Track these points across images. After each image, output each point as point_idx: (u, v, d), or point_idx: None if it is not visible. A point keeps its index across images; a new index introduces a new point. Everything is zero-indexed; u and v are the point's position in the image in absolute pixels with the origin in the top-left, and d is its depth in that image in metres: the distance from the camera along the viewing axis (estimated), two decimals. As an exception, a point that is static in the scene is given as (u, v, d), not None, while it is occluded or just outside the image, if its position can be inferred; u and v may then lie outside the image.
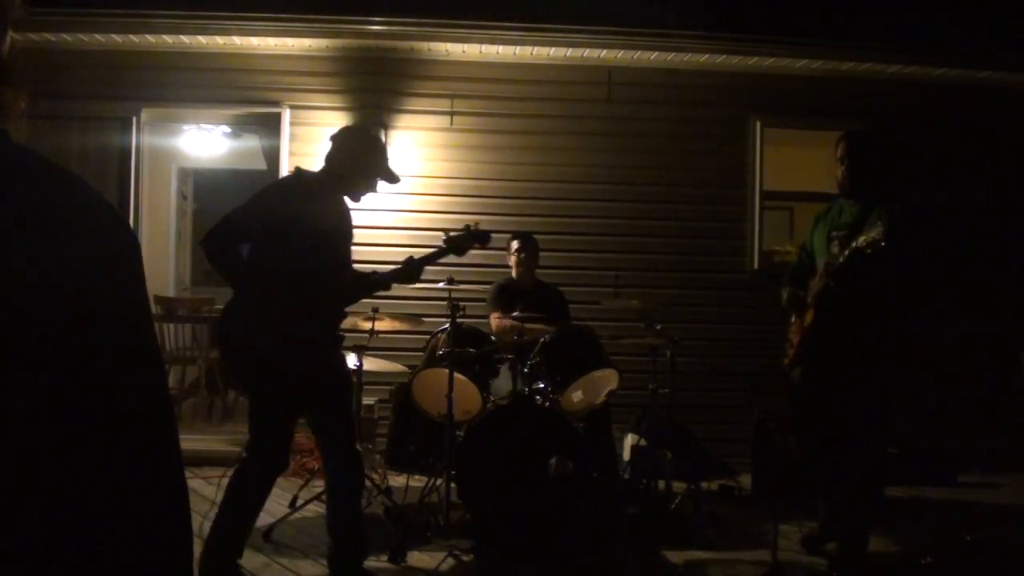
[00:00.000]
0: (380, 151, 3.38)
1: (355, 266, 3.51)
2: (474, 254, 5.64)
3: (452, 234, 3.47)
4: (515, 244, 5.02)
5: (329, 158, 3.31)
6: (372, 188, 3.36)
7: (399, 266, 3.34)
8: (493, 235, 5.58)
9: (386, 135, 5.72)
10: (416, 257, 3.34)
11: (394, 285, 3.44)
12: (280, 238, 3.05)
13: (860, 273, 3.49)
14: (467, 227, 3.50)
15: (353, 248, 3.41)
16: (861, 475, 3.66)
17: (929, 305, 4.27)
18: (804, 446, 3.91)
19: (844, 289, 3.56)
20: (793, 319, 3.91)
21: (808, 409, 3.85)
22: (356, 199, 3.37)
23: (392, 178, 3.36)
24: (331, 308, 3.22)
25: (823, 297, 3.64)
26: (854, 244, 3.43)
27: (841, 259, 3.53)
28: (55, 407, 0.63)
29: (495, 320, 4.79)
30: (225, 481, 3.24)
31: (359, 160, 3.28)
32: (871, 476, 3.70)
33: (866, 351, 3.59)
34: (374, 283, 3.35)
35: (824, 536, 3.87)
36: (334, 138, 3.34)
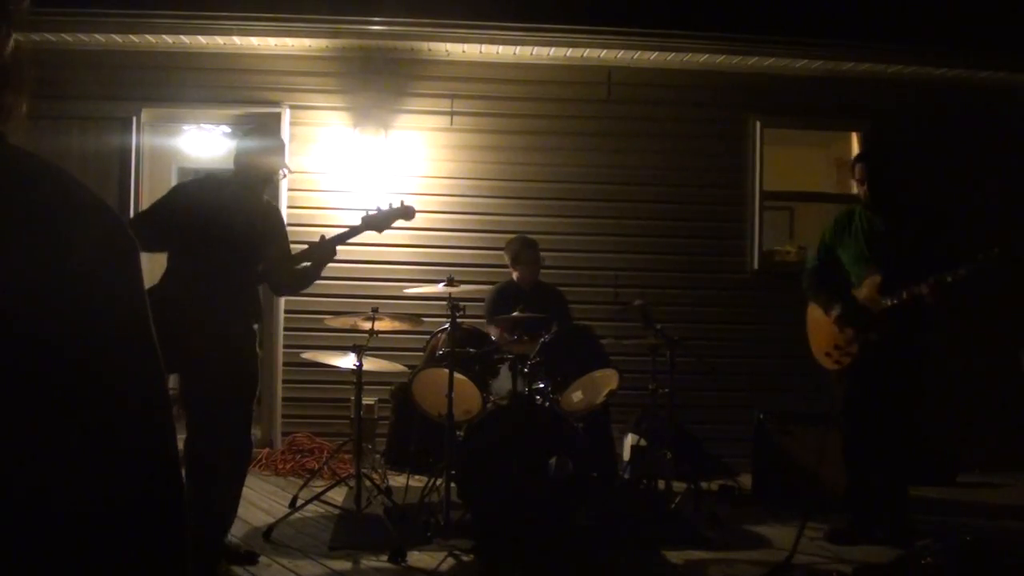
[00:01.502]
0: (272, 148, 3.56)
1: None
2: (474, 254, 5.70)
3: (371, 212, 3.50)
4: (521, 253, 4.97)
5: (234, 157, 3.55)
6: (272, 181, 3.62)
7: (311, 246, 3.45)
8: (493, 235, 5.64)
9: (386, 135, 5.72)
10: (329, 236, 3.44)
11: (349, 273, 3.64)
12: (185, 231, 3.25)
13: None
14: (390, 204, 3.52)
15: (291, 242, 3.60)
16: (895, 471, 4.01)
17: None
18: (851, 447, 4.09)
19: (935, 306, 3.78)
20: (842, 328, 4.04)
21: (859, 412, 4.03)
22: (259, 192, 3.57)
23: (280, 168, 3.58)
24: (242, 295, 3.37)
25: (897, 311, 3.82)
26: (948, 278, 3.62)
27: (949, 277, 3.64)
28: (53, 407, 0.63)
29: (493, 332, 4.75)
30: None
31: (254, 156, 3.48)
32: (904, 472, 4.07)
33: (918, 359, 3.96)
34: (305, 276, 3.51)
35: (854, 531, 4.03)
36: (240, 135, 3.67)
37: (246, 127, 3.66)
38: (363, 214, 3.51)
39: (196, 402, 3.33)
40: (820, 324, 4.14)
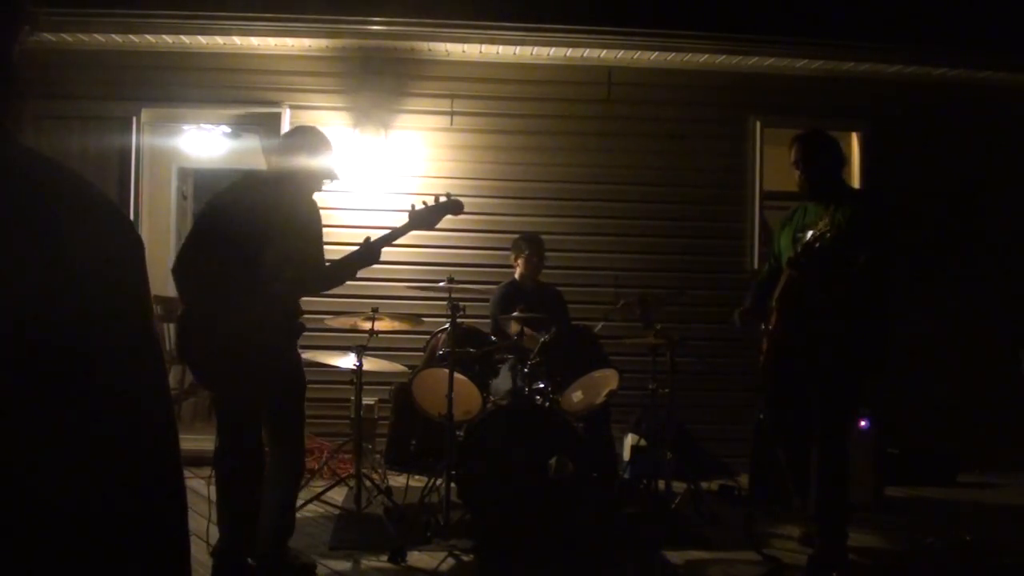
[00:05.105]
0: (324, 150, 3.33)
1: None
2: (474, 254, 5.70)
3: (418, 207, 3.26)
4: (524, 246, 4.98)
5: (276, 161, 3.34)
6: (318, 186, 3.34)
7: (357, 249, 3.24)
8: (493, 235, 5.65)
9: (386, 135, 5.72)
10: (373, 239, 3.24)
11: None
12: (224, 236, 3.08)
13: (817, 264, 3.44)
14: (436, 198, 3.30)
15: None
16: (829, 476, 3.55)
17: (899, 303, 4.24)
18: (782, 448, 3.90)
19: (805, 280, 3.49)
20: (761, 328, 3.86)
21: (780, 411, 3.84)
22: (307, 195, 3.32)
23: (332, 176, 3.35)
24: (282, 300, 3.17)
25: (786, 294, 3.58)
26: (805, 239, 3.44)
27: (799, 249, 3.49)
28: (57, 403, 0.63)
29: (510, 327, 4.68)
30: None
31: (302, 158, 3.27)
32: (839, 476, 3.57)
33: (830, 347, 3.50)
34: (338, 271, 3.29)
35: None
36: (286, 137, 3.39)
37: (295, 135, 3.45)
38: (408, 210, 3.27)
39: (223, 412, 3.20)
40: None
